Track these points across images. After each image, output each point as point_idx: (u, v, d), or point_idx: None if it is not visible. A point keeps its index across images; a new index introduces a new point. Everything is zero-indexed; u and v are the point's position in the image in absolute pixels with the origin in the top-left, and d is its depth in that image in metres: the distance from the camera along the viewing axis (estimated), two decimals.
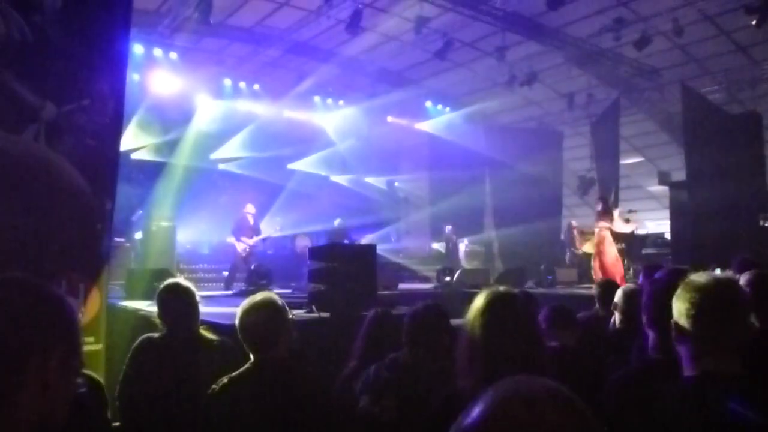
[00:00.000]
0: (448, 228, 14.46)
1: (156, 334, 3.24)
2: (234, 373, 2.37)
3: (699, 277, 1.72)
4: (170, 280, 3.39)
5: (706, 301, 1.62)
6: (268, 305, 2.43)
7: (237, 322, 2.41)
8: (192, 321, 3.20)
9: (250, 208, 10.96)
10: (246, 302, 2.46)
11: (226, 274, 10.85)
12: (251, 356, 2.40)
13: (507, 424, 0.71)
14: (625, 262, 11.15)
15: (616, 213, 10.43)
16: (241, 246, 10.55)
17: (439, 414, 1.94)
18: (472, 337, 1.89)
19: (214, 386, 2.35)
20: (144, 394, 2.95)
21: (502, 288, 2.00)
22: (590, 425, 0.73)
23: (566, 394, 0.74)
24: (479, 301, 1.93)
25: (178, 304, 3.19)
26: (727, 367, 1.59)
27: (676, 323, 1.67)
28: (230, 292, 9.54)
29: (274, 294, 2.57)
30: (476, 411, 0.73)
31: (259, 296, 2.49)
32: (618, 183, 15.53)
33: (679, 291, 1.70)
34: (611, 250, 9.87)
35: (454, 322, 2.73)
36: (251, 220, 10.93)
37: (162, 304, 3.23)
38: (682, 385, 1.66)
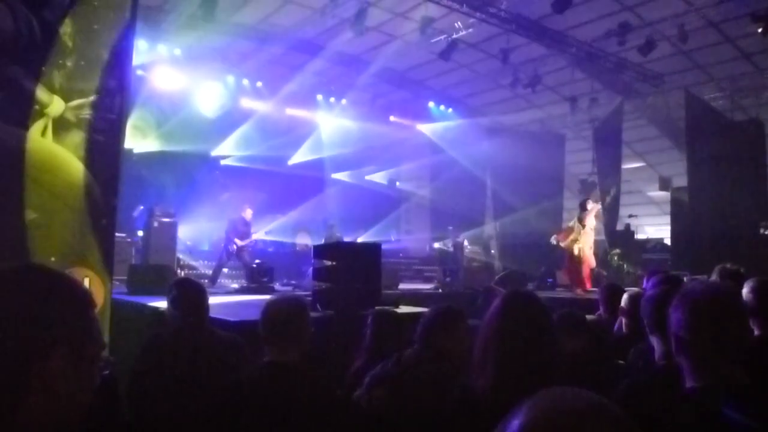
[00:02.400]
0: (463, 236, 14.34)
1: (165, 330, 3.24)
2: (248, 372, 2.36)
3: (696, 287, 1.70)
4: (181, 276, 3.40)
5: (705, 311, 1.58)
6: (296, 307, 2.43)
7: (261, 318, 2.40)
8: (202, 317, 3.21)
9: (248, 213, 10.98)
10: (273, 300, 2.45)
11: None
12: (267, 354, 2.38)
13: None
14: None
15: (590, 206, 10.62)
16: (232, 246, 10.61)
17: (452, 411, 1.94)
18: (488, 337, 1.89)
19: (226, 383, 2.33)
20: (154, 389, 2.94)
21: (521, 290, 2.00)
22: None
23: (612, 409, 0.70)
24: (498, 301, 1.94)
25: (189, 300, 3.19)
26: (729, 377, 1.55)
27: (676, 335, 1.63)
28: (231, 291, 9.53)
29: (301, 296, 2.57)
30: (515, 423, 0.69)
31: (287, 296, 2.49)
32: (619, 187, 15.58)
33: (675, 301, 1.66)
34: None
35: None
36: (245, 223, 10.96)
37: (173, 300, 3.23)
38: (684, 397, 1.62)
